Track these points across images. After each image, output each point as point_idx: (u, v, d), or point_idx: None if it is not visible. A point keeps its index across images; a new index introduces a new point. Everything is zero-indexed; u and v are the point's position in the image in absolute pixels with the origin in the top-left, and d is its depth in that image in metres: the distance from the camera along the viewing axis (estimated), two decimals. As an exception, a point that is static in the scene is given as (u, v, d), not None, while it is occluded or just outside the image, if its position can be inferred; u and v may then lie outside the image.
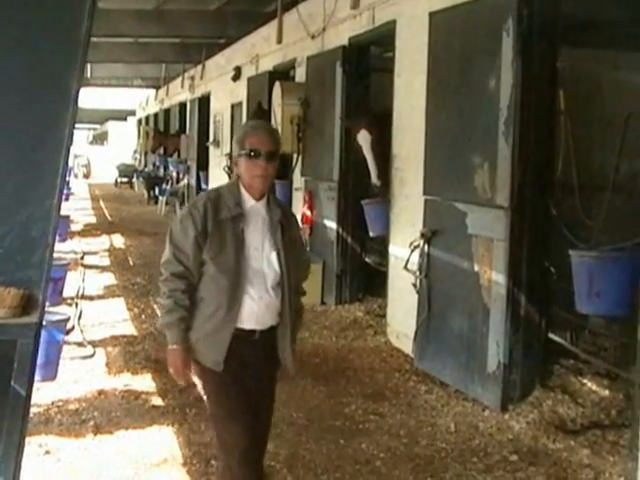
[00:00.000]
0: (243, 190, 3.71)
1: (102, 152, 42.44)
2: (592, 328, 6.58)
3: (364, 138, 8.86)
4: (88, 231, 17.28)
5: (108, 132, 44.38)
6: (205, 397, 3.91)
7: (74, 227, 17.11)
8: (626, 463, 5.00)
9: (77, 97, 2.50)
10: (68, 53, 2.48)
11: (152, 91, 29.49)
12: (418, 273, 7.11)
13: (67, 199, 21.80)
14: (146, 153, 29.66)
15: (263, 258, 3.66)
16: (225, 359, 3.60)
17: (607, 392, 6.30)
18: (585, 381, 6.46)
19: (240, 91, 14.91)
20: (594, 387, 6.39)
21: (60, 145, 2.48)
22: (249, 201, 3.70)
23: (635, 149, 5.80)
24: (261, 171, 3.65)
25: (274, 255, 3.67)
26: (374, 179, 8.82)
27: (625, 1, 6.62)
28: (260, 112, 12.21)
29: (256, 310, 3.64)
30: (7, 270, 2.46)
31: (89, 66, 22.10)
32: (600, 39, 6.83)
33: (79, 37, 2.47)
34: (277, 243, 3.69)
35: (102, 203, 24.65)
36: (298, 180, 11.17)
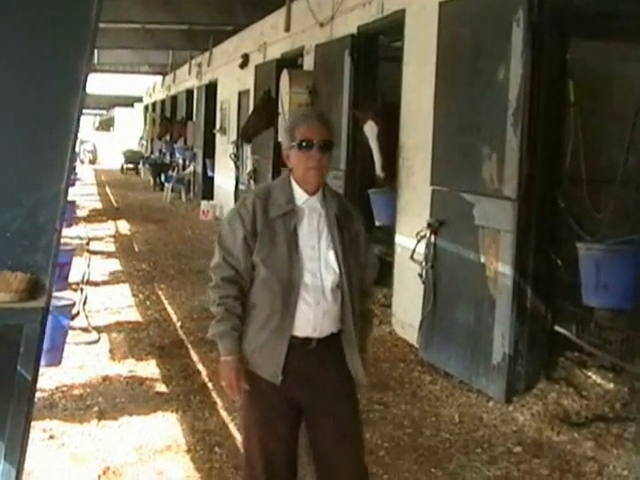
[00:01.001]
0: (295, 185, 3.40)
1: (108, 138, 42.45)
2: (598, 321, 6.56)
3: (371, 129, 8.82)
4: (94, 217, 17.30)
5: (114, 118, 44.36)
6: (242, 405, 3.53)
7: (80, 213, 17.11)
8: (630, 456, 5.00)
9: (86, 82, 2.49)
10: (78, 38, 2.47)
11: (159, 78, 29.44)
12: (424, 263, 7.09)
13: (73, 185, 21.79)
14: (152, 140, 29.67)
15: (320, 258, 3.34)
16: (282, 371, 3.31)
17: (612, 385, 6.29)
18: (590, 374, 6.45)
19: (247, 79, 14.88)
20: (599, 380, 6.38)
21: (69, 130, 2.47)
22: (302, 196, 3.39)
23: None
24: (315, 163, 3.34)
25: (332, 255, 3.36)
26: (378, 171, 8.80)
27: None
28: (268, 100, 12.18)
29: (312, 316, 3.32)
30: (14, 254, 2.46)
31: (96, 52, 22.05)
32: (610, 31, 6.77)
33: (89, 22, 2.46)
34: (335, 241, 3.37)
35: (108, 189, 24.66)
36: (305, 169, 11.13)
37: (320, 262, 3.34)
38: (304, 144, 3.35)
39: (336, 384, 3.42)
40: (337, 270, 3.34)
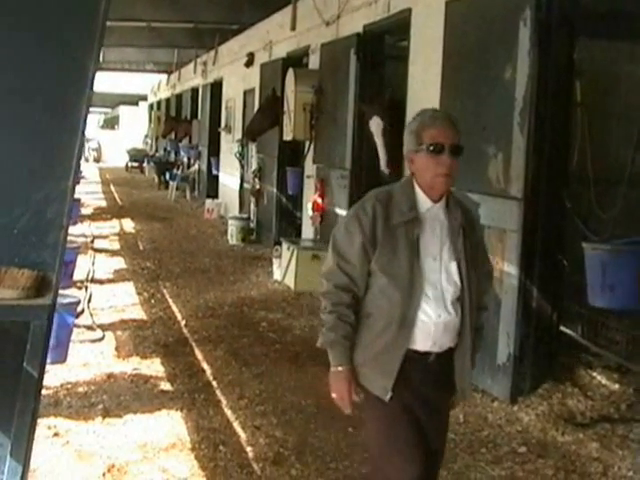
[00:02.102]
0: (418, 190, 3.19)
1: (113, 136, 42.46)
2: (604, 321, 6.55)
3: (376, 124, 8.81)
4: (98, 215, 17.31)
5: (119, 116, 44.36)
6: (367, 427, 3.40)
7: (84, 211, 17.12)
8: (635, 457, 4.99)
9: (93, 80, 2.49)
10: (86, 36, 2.46)
11: (164, 76, 29.43)
12: (429, 263, 7.07)
13: (78, 183, 21.78)
14: (157, 138, 29.67)
15: (441, 269, 3.15)
16: (394, 385, 3.13)
17: (617, 386, 6.28)
18: (595, 374, 6.44)
19: (253, 77, 14.88)
20: (604, 381, 6.37)
21: (76, 128, 2.47)
22: (425, 203, 3.19)
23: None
24: (445, 169, 3.12)
25: (454, 266, 3.17)
26: (383, 166, 8.79)
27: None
28: (274, 99, 12.18)
29: (433, 329, 3.13)
30: (21, 251, 2.45)
31: (102, 50, 22.04)
32: (617, 31, 6.77)
33: (97, 19, 2.46)
34: (458, 251, 3.17)
35: (112, 187, 24.68)
36: (310, 167, 11.15)
37: (441, 273, 3.15)
38: (434, 148, 3.12)
39: (444, 400, 3.32)
40: (459, 283, 3.16)
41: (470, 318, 3.20)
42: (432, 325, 3.12)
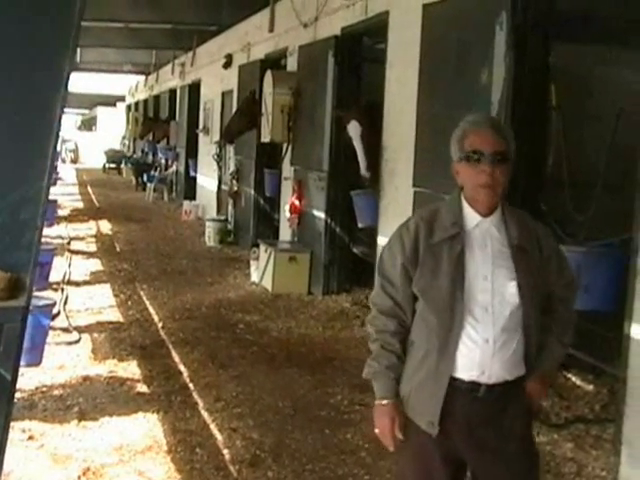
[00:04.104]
0: (465, 204, 2.91)
1: (90, 137, 42.26)
2: (578, 323, 6.58)
3: (354, 129, 8.84)
4: (75, 216, 17.22)
5: (97, 117, 44.16)
6: (398, 453, 3.11)
7: (61, 212, 17.04)
8: (609, 457, 5.02)
9: (68, 80, 2.48)
10: (60, 36, 2.45)
11: (142, 77, 29.33)
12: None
13: (55, 184, 21.69)
14: (135, 139, 29.57)
15: (494, 290, 2.82)
16: (441, 420, 2.85)
17: (592, 387, 6.33)
18: (570, 376, 6.49)
19: (231, 79, 14.86)
20: (579, 382, 6.41)
21: (50, 128, 2.45)
22: (474, 218, 2.90)
23: (626, 145, 5.81)
24: (485, 179, 2.83)
25: (511, 287, 2.84)
26: (363, 170, 8.81)
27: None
28: (252, 101, 12.18)
29: (479, 355, 2.82)
30: (-5, 253, 2.43)
31: (79, 50, 21.96)
32: (592, 34, 6.82)
33: (71, 19, 2.44)
34: (516, 271, 2.85)
35: (90, 189, 24.56)
36: (287, 169, 11.15)
37: (494, 295, 2.82)
38: (473, 156, 2.86)
39: (512, 446, 2.93)
40: (517, 305, 2.84)
41: (532, 347, 2.91)
42: (478, 351, 2.82)
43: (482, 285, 2.83)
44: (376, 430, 3.02)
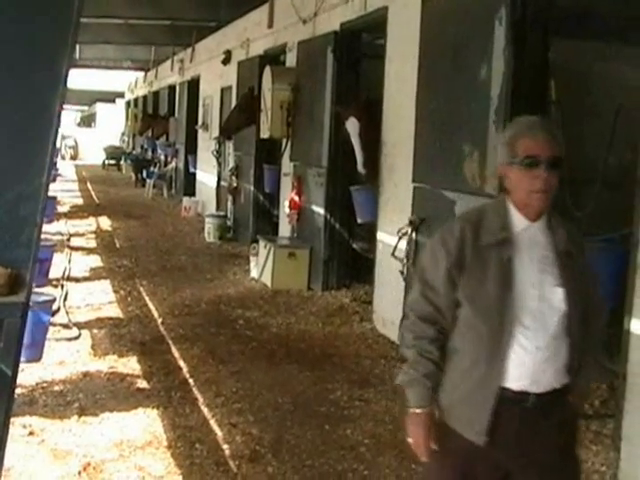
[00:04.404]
0: (513, 209, 2.83)
1: (90, 134, 42.23)
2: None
3: (353, 125, 8.84)
4: (75, 213, 17.22)
5: (96, 114, 44.13)
6: (430, 465, 2.97)
7: (61, 209, 17.05)
8: (609, 453, 5.03)
9: (67, 77, 2.48)
10: (59, 33, 2.46)
11: (141, 73, 29.32)
12: (405, 260, 7.11)
13: (54, 180, 21.69)
14: (134, 136, 29.56)
15: (542, 298, 2.77)
16: (488, 430, 2.77)
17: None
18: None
19: (230, 75, 14.86)
20: (578, 377, 6.41)
21: (49, 125, 2.46)
22: (521, 223, 2.82)
23: (624, 141, 5.82)
24: (540, 184, 2.74)
25: (558, 294, 2.78)
26: (360, 167, 8.82)
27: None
28: (251, 97, 12.18)
29: (531, 365, 2.75)
30: (-5, 249, 2.44)
31: (78, 47, 21.95)
32: (591, 30, 6.83)
33: (70, 16, 2.45)
34: (562, 278, 2.79)
35: (89, 185, 24.55)
36: (287, 165, 11.15)
37: (542, 302, 2.77)
38: (529, 161, 2.75)
39: (555, 456, 2.87)
40: (565, 312, 2.77)
41: (579, 352, 2.83)
42: (530, 359, 2.74)
43: (530, 292, 2.77)
44: (409, 439, 2.92)
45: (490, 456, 2.82)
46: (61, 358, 6.75)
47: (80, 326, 7.72)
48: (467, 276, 2.79)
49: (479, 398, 2.78)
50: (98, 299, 9.05)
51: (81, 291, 9.37)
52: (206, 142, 17.26)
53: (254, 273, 10.56)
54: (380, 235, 8.23)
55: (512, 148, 2.81)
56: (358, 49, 9.66)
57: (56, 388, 6.02)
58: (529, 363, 2.74)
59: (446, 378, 2.85)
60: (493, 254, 2.78)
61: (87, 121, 46.94)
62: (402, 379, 2.92)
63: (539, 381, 2.77)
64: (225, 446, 5.13)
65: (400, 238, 7.18)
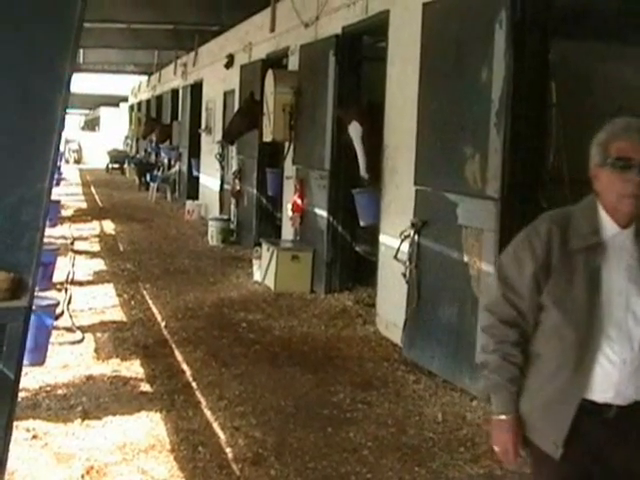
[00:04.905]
0: (602, 213, 2.71)
1: (94, 138, 42.29)
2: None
3: (355, 129, 8.85)
4: (78, 216, 17.24)
5: (100, 118, 44.19)
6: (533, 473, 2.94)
7: (65, 212, 17.07)
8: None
9: (69, 81, 2.50)
10: (61, 37, 2.47)
11: (144, 77, 29.36)
12: (408, 263, 7.12)
13: (58, 184, 21.73)
14: (138, 139, 29.59)
15: (627, 307, 2.65)
16: (566, 442, 2.67)
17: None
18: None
19: (233, 79, 14.88)
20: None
21: (52, 129, 2.48)
22: (611, 228, 2.70)
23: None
24: (632, 189, 2.62)
25: None
26: (363, 172, 8.83)
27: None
28: (252, 102, 12.20)
29: (616, 377, 2.64)
30: (-3, 253, 2.46)
31: (82, 51, 21.99)
32: (591, 31, 6.84)
33: (72, 21, 2.47)
34: None
35: (93, 189, 24.58)
36: (289, 168, 11.17)
37: (627, 312, 2.65)
38: (621, 163, 2.63)
39: (638, 467, 2.76)
40: None
41: None
42: (616, 372, 2.65)
43: (617, 301, 2.66)
44: (495, 447, 2.86)
45: (567, 467, 2.72)
46: (64, 362, 6.77)
47: (84, 330, 7.74)
48: (554, 280, 2.69)
49: (559, 408, 2.69)
50: (102, 303, 9.07)
51: (85, 295, 9.39)
52: (209, 146, 17.29)
53: (257, 276, 10.57)
54: (382, 238, 8.24)
55: (605, 149, 2.70)
56: (360, 52, 9.69)
57: (59, 392, 6.04)
58: (615, 376, 2.65)
59: (526, 384, 2.77)
60: (582, 258, 2.68)
61: (91, 125, 47.01)
62: (486, 385, 2.86)
63: (623, 394, 2.68)
64: (228, 449, 5.14)
65: (402, 241, 7.18)
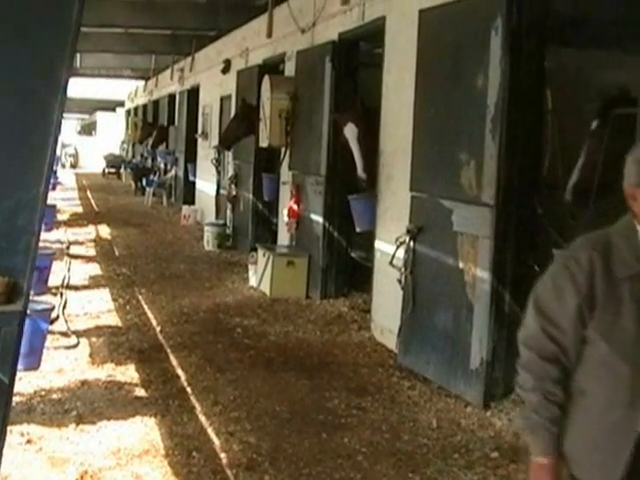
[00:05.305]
0: None
1: (90, 142, 42.29)
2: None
3: (351, 131, 8.88)
4: (74, 221, 17.25)
5: (97, 122, 44.20)
6: None
7: (60, 217, 17.07)
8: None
9: (66, 86, 2.50)
10: (58, 41, 2.47)
11: (141, 82, 29.38)
12: (403, 269, 7.13)
13: (54, 189, 21.72)
14: (134, 144, 29.60)
15: None
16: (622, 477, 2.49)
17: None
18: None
19: (229, 84, 14.89)
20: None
21: (48, 133, 2.48)
22: None
23: (621, 149, 5.83)
24: None
25: None
26: (360, 172, 8.85)
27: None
28: (247, 108, 12.22)
29: None
30: (-8, 257, 2.46)
31: (79, 56, 22.01)
32: (587, 38, 6.85)
33: (69, 25, 2.47)
34: None
35: (89, 193, 24.58)
36: (286, 174, 11.18)
37: None
38: None
39: None
40: None
41: None
42: None
43: None
44: None
45: None
46: (59, 366, 6.76)
47: (79, 334, 7.73)
48: (600, 312, 2.49)
49: (613, 446, 2.51)
50: (97, 307, 9.06)
51: (80, 299, 9.38)
52: (205, 151, 17.30)
53: (253, 281, 10.57)
54: (378, 244, 8.25)
55: None
56: (356, 58, 9.71)
57: (54, 396, 6.03)
58: None
59: (571, 422, 2.58)
60: (627, 287, 2.48)
61: (87, 129, 47.01)
62: (526, 425, 2.67)
63: None
64: (222, 454, 5.13)
65: (398, 247, 7.19)
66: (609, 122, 5.75)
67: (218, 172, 15.83)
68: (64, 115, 2.56)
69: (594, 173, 5.72)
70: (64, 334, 7.68)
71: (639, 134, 5.33)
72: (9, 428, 2.59)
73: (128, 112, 34.30)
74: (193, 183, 19.11)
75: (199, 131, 18.17)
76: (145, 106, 28.67)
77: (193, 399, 6.14)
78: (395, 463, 5.12)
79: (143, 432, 5.43)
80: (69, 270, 11.01)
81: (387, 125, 8.18)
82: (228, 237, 14.10)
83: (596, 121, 5.68)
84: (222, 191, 15.49)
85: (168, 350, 7.45)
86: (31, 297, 2.70)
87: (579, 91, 6.72)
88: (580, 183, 5.67)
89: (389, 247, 7.50)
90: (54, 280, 9.77)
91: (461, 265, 6.31)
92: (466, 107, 6.28)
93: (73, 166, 40.04)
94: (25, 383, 6.11)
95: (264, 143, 11.34)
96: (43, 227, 2.64)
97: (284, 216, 10.83)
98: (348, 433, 5.58)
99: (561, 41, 6.57)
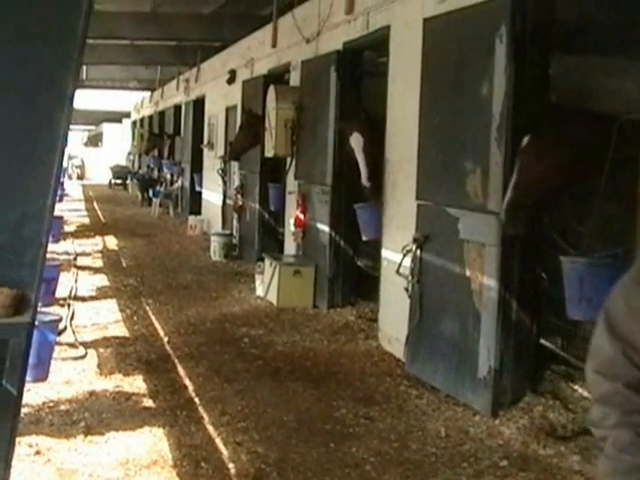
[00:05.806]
0: None
1: (96, 153, 42.42)
2: (583, 334, 6.59)
3: (356, 140, 8.89)
4: (81, 232, 17.28)
5: (103, 133, 44.34)
6: None
7: (67, 228, 17.11)
8: (615, 469, 5.01)
9: (72, 98, 2.51)
10: (64, 54, 2.48)
11: (147, 93, 29.47)
12: (410, 277, 7.12)
13: (61, 200, 21.78)
14: (140, 155, 29.68)
15: None
16: None
17: (597, 398, 6.30)
18: (576, 387, 6.47)
19: (235, 94, 14.93)
20: (585, 393, 6.39)
21: (55, 145, 2.49)
22: None
23: (626, 156, 5.83)
24: None
25: None
26: (364, 181, 8.85)
27: (618, 6, 6.65)
28: (252, 119, 12.26)
29: None
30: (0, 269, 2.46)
31: (85, 68, 22.11)
32: (591, 46, 6.85)
33: (75, 38, 2.48)
34: None
35: (96, 204, 24.63)
36: (291, 183, 11.19)
37: None
38: None
39: None
40: None
41: None
42: None
43: None
44: None
45: None
46: (67, 377, 6.77)
47: (86, 345, 7.74)
48: None
49: None
50: (104, 318, 9.07)
51: (87, 310, 9.40)
52: (211, 161, 17.33)
53: (259, 291, 10.57)
54: (385, 252, 8.24)
55: None
56: (361, 67, 9.72)
57: (62, 407, 6.04)
58: None
59: None
60: None
61: (94, 141, 47.13)
62: (615, 467, 2.19)
63: None
64: (230, 465, 5.13)
65: (404, 255, 7.19)
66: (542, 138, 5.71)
67: (224, 182, 15.86)
68: (70, 127, 2.56)
69: (528, 190, 5.72)
70: (72, 345, 7.69)
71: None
72: (18, 439, 2.59)
73: (134, 123, 34.40)
74: (199, 193, 19.14)
75: (205, 141, 18.22)
76: (151, 117, 28.75)
77: (201, 409, 6.14)
78: (403, 472, 5.11)
79: (151, 443, 5.43)
80: (76, 281, 11.03)
81: (392, 133, 8.19)
82: (234, 247, 14.11)
83: (527, 137, 5.68)
84: (228, 201, 15.51)
85: (175, 360, 7.46)
86: (39, 308, 2.71)
87: (584, 98, 6.72)
88: (514, 201, 5.66)
89: (396, 256, 7.50)
90: (62, 291, 9.79)
91: (468, 273, 6.31)
92: (471, 115, 6.29)
93: (80, 177, 40.16)
94: (33, 394, 6.12)
95: (270, 153, 11.36)
96: (50, 239, 2.65)
97: (290, 226, 10.84)
98: (356, 442, 5.57)
99: (566, 49, 6.57)
